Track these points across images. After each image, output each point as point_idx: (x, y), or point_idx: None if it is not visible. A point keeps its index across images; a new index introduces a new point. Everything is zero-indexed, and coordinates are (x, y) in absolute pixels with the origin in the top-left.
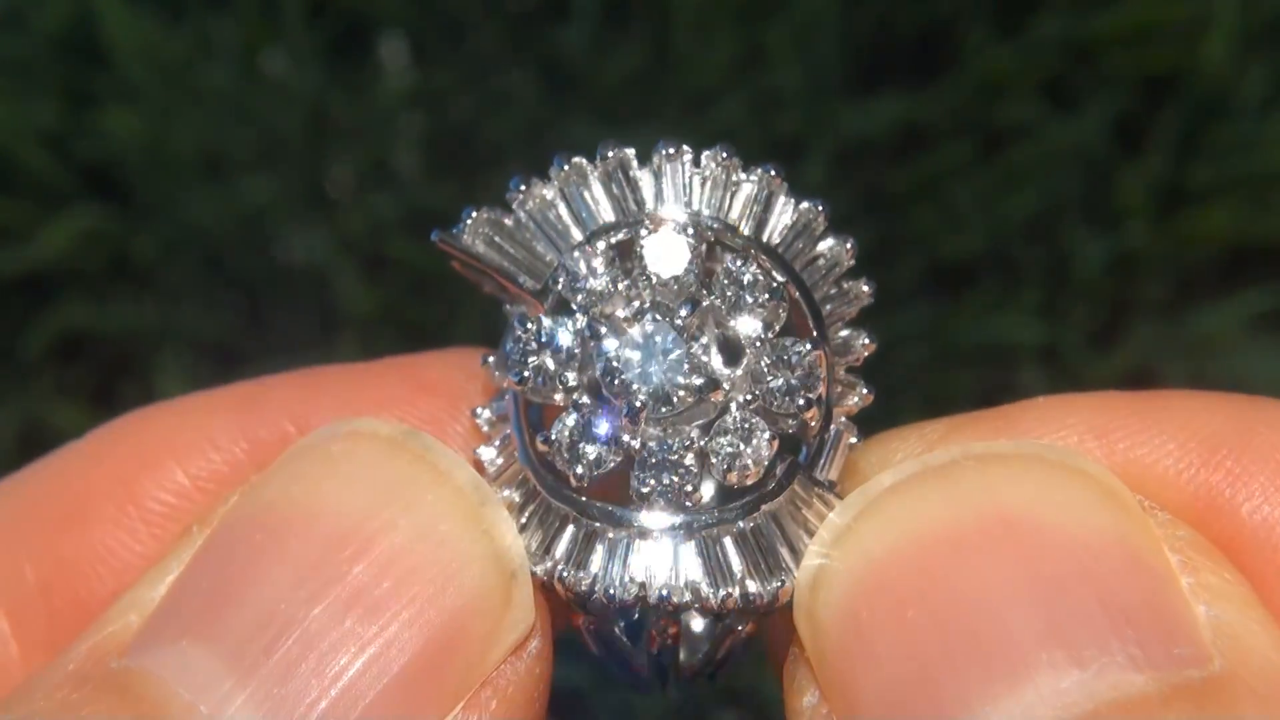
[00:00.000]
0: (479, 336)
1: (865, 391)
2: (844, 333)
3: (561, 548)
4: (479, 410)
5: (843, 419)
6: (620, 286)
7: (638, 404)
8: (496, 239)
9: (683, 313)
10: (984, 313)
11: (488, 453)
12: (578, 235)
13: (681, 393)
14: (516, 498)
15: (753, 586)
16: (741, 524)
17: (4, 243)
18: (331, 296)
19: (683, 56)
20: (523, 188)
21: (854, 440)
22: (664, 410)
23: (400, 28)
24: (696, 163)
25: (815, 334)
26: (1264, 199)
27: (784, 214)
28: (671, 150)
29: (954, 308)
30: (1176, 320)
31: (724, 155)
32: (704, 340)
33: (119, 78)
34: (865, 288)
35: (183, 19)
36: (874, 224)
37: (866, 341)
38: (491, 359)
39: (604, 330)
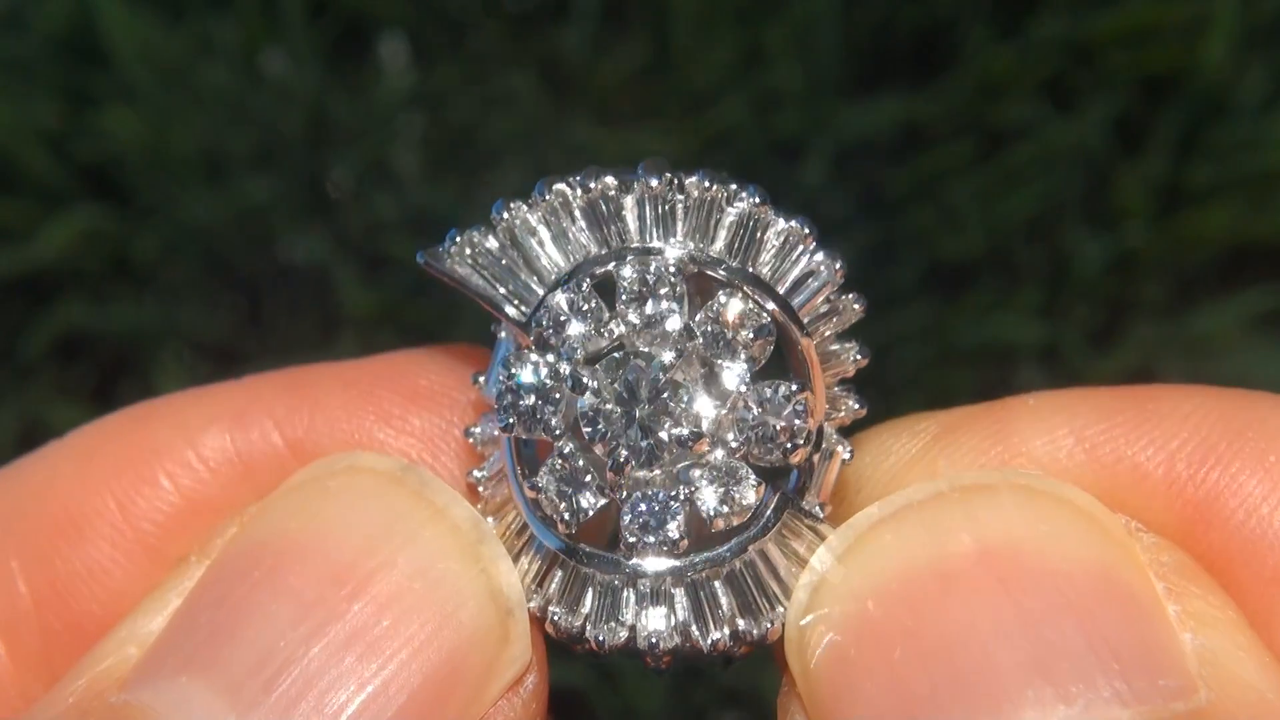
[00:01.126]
0: (479, 336)
1: (856, 405)
2: (834, 346)
3: (553, 586)
4: (472, 430)
5: (834, 435)
6: (603, 330)
7: (621, 457)
8: (481, 262)
9: (666, 358)
10: (984, 313)
11: (480, 474)
12: (561, 264)
13: (665, 442)
14: (513, 524)
15: (742, 625)
16: (730, 564)
17: (4, 243)
18: (331, 296)
19: (683, 56)
20: (505, 212)
21: (846, 458)
22: (649, 459)
23: (400, 28)
24: (681, 188)
25: (803, 367)
26: (1264, 199)
27: (770, 237)
28: (655, 181)
29: (954, 308)
30: (1176, 320)
31: (707, 184)
32: (687, 385)
33: (119, 78)
34: (857, 305)
35: (183, 19)
36: (873, 224)
37: (858, 357)
38: (482, 378)
39: (585, 379)
